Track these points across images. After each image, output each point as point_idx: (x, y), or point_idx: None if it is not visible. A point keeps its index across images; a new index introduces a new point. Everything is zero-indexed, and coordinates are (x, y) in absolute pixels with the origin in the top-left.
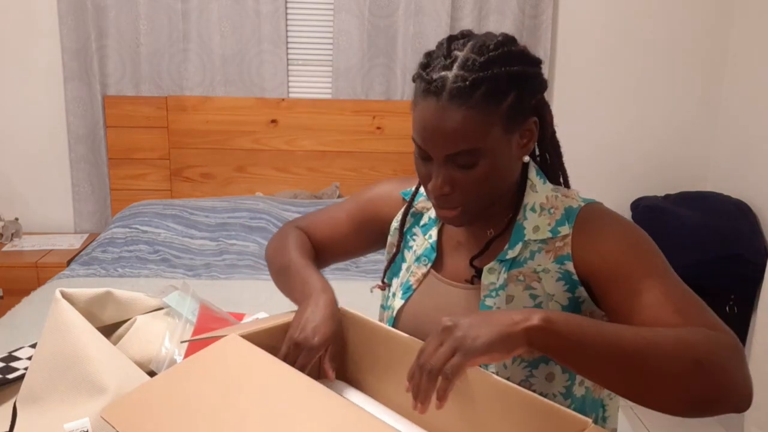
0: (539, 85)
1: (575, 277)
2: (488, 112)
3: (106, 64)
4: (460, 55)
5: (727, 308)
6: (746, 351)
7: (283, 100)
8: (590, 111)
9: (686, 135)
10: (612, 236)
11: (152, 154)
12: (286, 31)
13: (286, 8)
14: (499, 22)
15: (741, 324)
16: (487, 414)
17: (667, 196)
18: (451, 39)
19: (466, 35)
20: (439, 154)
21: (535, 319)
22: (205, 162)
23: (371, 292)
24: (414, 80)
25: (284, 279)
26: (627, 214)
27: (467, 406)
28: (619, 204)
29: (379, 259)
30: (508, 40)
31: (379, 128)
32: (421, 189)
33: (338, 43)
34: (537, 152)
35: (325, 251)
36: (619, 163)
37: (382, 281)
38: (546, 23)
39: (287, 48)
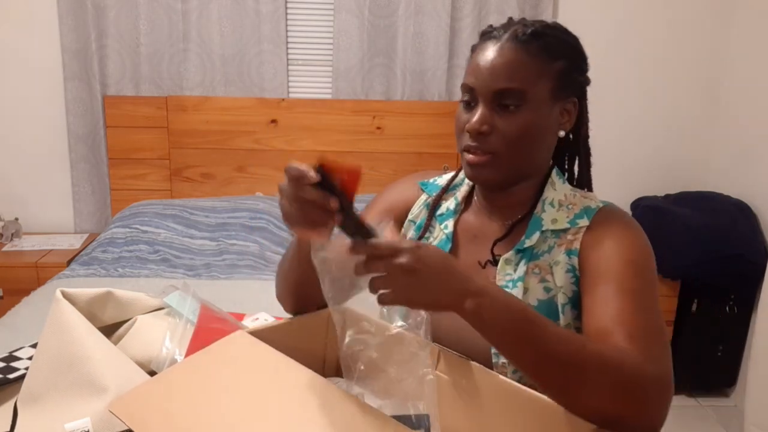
0: (586, 67)
1: (577, 272)
2: (541, 63)
3: (106, 64)
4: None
5: (727, 308)
6: (746, 351)
7: (283, 100)
8: (590, 111)
9: (686, 135)
10: (614, 242)
11: (152, 154)
12: (286, 31)
13: (286, 8)
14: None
15: (741, 324)
16: (494, 415)
17: (667, 196)
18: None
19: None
20: (487, 89)
21: (470, 303)
22: (205, 162)
23: None
24: (474, 49)
25: (283, 265)
26: None
27: (474, 407)
28: (619, 204)
29: None
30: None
31: (379, 128)
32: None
33: (338, 43)
34: (566, 155)
35: None
36: (619, 163)
37: None
38: None
39: (287, 48)
